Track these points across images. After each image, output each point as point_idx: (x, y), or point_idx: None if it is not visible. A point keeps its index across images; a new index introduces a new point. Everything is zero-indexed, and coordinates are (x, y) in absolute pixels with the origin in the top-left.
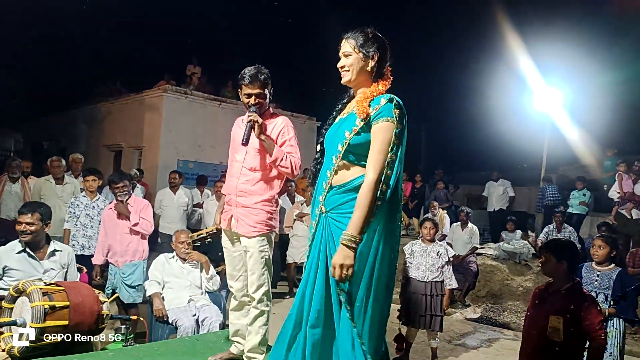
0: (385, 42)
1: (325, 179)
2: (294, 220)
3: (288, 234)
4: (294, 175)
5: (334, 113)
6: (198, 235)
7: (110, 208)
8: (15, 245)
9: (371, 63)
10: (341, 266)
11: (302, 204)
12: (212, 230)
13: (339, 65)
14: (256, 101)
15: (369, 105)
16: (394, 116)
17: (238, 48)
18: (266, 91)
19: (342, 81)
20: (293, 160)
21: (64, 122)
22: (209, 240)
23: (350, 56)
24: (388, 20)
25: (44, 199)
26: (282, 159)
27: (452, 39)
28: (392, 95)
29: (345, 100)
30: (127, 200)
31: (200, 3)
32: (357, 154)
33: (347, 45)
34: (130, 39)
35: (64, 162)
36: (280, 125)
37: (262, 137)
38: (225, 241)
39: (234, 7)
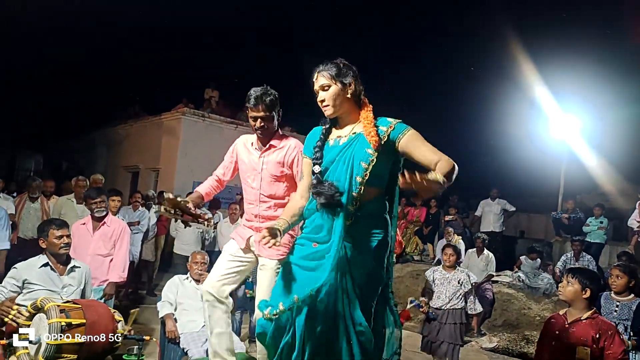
0: (356, 70)
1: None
2: None
3: None
4: None
5: (321, 136)
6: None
7: (84, 223)
8: (37, 260)
9: (349, 91)
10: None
11: None
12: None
13: (319, 99)
14: (262, 124)
15: (377, 128)
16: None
17: (255, 72)
18: (273, 113)
19: (327, 115)
20: None
21: (83, 143)
22: (194, 222)
23: (329, 88)
24: (404, 49)
25: (63, 217)
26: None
27: (467, 66)
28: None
29: (329, 125)
30: (104, 217)
31: (218, 28)
32: (376, 174)
33: (323, 78)
34: (150, 63)
35: (88, 182)
36: (293, 152)
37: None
38: (231, 248)
39: (252, 32)
